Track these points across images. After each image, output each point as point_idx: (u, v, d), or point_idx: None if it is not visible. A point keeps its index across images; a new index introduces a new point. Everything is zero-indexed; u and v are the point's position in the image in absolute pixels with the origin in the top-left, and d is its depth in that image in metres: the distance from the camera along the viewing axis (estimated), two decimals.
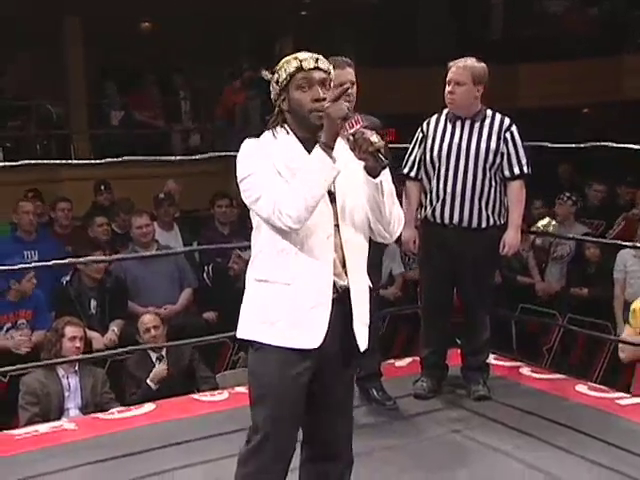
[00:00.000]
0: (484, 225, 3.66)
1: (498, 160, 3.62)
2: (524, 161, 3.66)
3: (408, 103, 9.33)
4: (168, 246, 5.65)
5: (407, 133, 3.92)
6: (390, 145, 3.66)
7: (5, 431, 3.59)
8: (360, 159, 2.11)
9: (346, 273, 2.16)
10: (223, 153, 4.03)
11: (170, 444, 3.27)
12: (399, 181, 3.73)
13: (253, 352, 2.21)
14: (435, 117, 3.76)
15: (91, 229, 6.02)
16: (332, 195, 2.15)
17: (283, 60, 2.18)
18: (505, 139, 3.63)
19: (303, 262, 2.11)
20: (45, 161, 4.68)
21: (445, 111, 3.73)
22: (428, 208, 3.73)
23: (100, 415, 3.74)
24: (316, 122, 2.10)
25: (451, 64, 3.63)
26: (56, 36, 10.01)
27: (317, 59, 2.16)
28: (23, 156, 5.97)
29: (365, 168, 2.11)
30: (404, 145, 3.88)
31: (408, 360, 4.31)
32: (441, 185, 3.66)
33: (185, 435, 3.34)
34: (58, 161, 4.94)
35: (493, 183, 3.65)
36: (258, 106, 10.38)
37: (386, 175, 2.13)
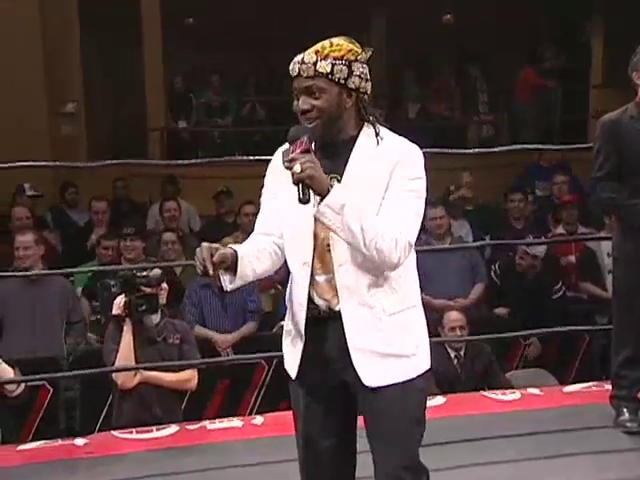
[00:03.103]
0: None
1: None
2: None
3: None
4: (461, 237, 5.63)
5: None
6: None
7: (281, 412, 3.78)
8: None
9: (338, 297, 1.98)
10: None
11: (459, 440, 3.23)
12: None
13: None
14: None
15: None
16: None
17: None
18: None
19: (292, 286, 2.08)
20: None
21: None
22: None
23: None
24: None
25: None
26: (361, 31, 10.43)
27: (302, 62, 1.92)
28: None
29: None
30: None
31: None
32: None
33: (473, 432, 3.28)
34: None
35: None
36: (560, 95, 9.95)
37: (331, 202, 1.87)
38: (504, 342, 4.77)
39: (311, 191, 1.88)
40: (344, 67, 1.92)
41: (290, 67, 1.96)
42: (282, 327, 5.25)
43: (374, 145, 1.99)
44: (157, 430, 3.41)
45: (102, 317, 4.11)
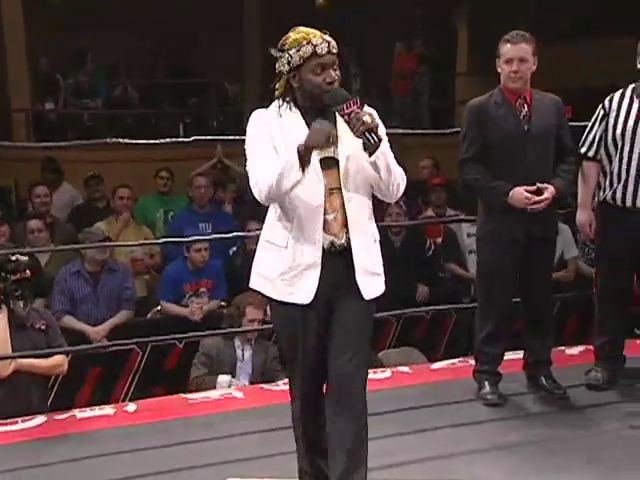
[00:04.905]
0: None
1: None
2: None
3: (587, 78, 8.86)
4: None
5: (586, 110, 3.71)
6: (570, 123, 3.51)
7: (180, 394, 3.78)
8: (357, 137, 2.29)
9: (347, 231, 2.38)
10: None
11: None
12: (577, 161, 3.56)
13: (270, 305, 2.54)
14: (619, 93, 3.51)
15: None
16: (335, 160, 2.37)
17: (294, 38, 2.38)
18: None
19: (296, 229, 2.38)
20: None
21: (631, 86, 3.47)
22: (607, 190, 3.51)
23: (266, 386, 3.84)
24: (328, 102, 2.36)
25: None
26: (235, 19, 10.34)
27: (329, 43, 2.39)
28: (201, 131, 6.24)
29: (363, 146, 2.30)
30: (583, 123, 3.68)
31: (580, 348, 4.11)
32: (624, 166, 3.43)
33: None
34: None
35: None
36: (427, 84, 10.21)
37: (383, 149, 2.31)
38: (375, 322, 4.86)
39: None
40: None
41: (314, 47, 2.37)
42: (158, 312, 5.21)
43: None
44: (22, 422, 3.29)
45: None
